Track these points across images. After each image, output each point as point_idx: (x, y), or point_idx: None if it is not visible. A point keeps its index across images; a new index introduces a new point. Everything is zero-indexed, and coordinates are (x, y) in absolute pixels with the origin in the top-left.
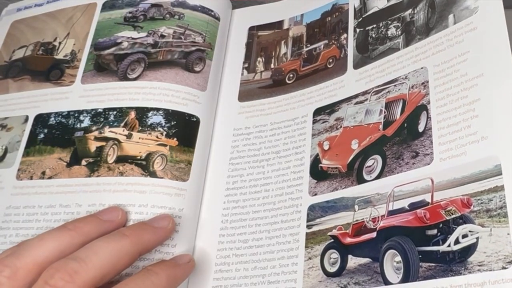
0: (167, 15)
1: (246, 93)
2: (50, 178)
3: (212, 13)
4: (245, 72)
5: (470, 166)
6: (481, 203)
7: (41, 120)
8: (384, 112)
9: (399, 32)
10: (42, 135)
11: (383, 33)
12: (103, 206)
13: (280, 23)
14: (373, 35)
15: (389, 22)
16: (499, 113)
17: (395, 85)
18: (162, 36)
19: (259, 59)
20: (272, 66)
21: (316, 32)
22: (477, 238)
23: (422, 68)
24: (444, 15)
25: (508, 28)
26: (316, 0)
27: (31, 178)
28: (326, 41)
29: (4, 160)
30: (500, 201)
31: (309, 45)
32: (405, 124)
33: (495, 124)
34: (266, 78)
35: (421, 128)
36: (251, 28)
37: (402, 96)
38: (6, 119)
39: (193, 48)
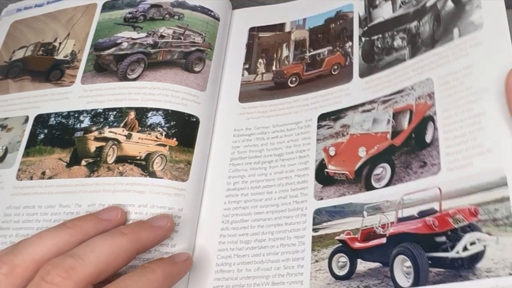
0: (167, 16)
1: (247, 94)
2: (50, 178)
3: (212, 14)
4: (246, 73)
5: (477, 177)
6: (488, 212)
7: (41, 120)
8: (392, 122)
9: (405, 44)
10: (42, 136)
11: (389, 43)
12: (103, 206)
13: (281, 26)
14: (379, 45)
15: (395, 33)
16: (504, 127)
17: (401, 96)
18: (162, 37)
19: (260, 60)
20: (273, 68)
21: (319, 38)
22: (485, 246)
23: (427, 79)
24: (449, 29)
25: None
26: (319, 5)
27: (31, 178)
28: (330, 48)
29: (4, 160)
30: (507, 211)
31: (312, 50)
32: (413, 134)
33: (500, 138)
34: (267, 80)
35: (428, 138)
36: (252, 29)
37: (409, 107)
38: (6, 120)
39: (193, 48)
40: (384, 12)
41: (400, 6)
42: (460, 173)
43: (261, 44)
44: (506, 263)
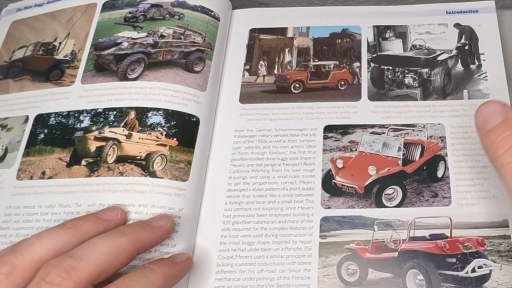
0: (167, 15)
1: (248, 96)
2: (50, 178)
3: (212, 13)
4: (247, 74)
5: (483, 215)
6: (493, 244)
7: (41, 120)
8: (403, 150)
9: (416, 85)
10: (42, 135)
11: (399, 78)
12: (103, 206)
13: (283, 30)
14: (389, 76)
15: (406, 71)
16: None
17: (413, 130)
18: (162, 36)
19: (261, 62)
20: (275, 72)
21: (324, 50)
22: (490, 270)
23: (439, 124)
24: (459, 88)
25: (504, 28)
26: (323, 17)
27: (31, 178)
28: (336, 62)
29: (4, 160)
30: (508, 246)
31: (316, 60)
32: (424, 167)
33: (503, 188)
34: (269, 83)
35: (439, 174)
36: (253, 30)
37: (421, 142)
38: (6, 119)
39: (193, 48)
40: (395, 48)
41: (411, 49)
42: (468, 209)
43: (262, 46)
44: (508, 285)
